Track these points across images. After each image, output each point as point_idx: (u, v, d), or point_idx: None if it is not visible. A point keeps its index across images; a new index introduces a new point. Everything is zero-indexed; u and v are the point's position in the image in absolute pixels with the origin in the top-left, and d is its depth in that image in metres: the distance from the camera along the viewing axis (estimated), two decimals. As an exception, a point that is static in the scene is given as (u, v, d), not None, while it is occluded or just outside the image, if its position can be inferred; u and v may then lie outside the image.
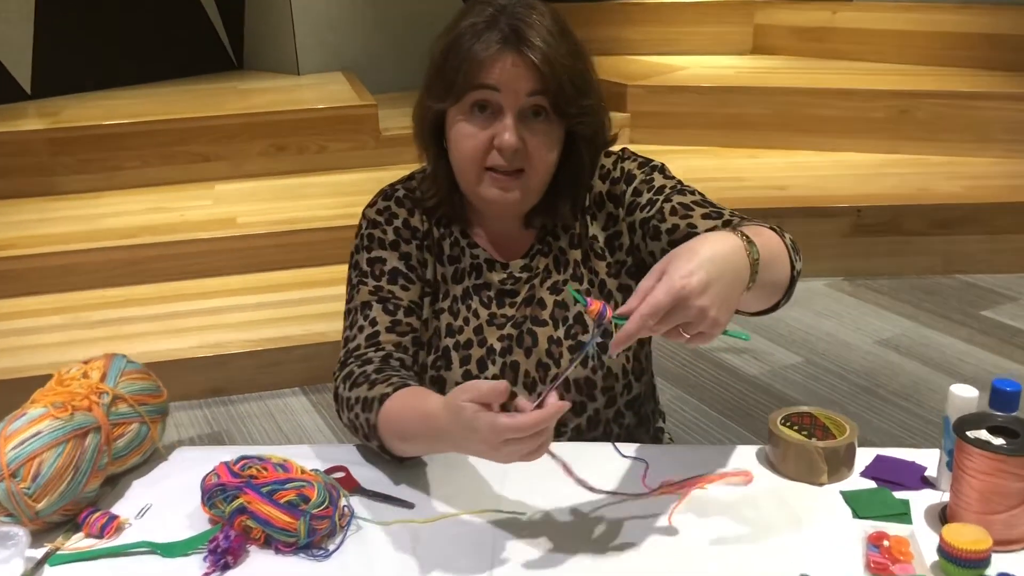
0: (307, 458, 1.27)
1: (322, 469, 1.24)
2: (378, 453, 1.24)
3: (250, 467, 1.13)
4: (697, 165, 4.30)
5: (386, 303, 1.33)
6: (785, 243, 1.18)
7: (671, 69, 5.06)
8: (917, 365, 3.08)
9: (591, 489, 1.16)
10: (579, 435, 1.35)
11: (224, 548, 1.06)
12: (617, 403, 1.35)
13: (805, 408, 1.25)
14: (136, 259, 3.63)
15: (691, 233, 1.26)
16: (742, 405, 2.89)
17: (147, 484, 1.25)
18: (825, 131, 4.40)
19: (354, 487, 1.21)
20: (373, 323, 1.32)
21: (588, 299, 1.00)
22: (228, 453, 1.27)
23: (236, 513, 1.09)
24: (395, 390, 1.19)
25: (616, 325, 0.99)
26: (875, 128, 4.32)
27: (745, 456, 1.26)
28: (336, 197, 4.03)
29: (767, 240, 1.13)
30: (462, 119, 1.24)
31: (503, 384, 1.01)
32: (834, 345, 3.24)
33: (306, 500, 1.08)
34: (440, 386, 1.34)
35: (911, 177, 4.04)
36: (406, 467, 1.25)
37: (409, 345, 1.33)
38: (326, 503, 1.09)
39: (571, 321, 1.33)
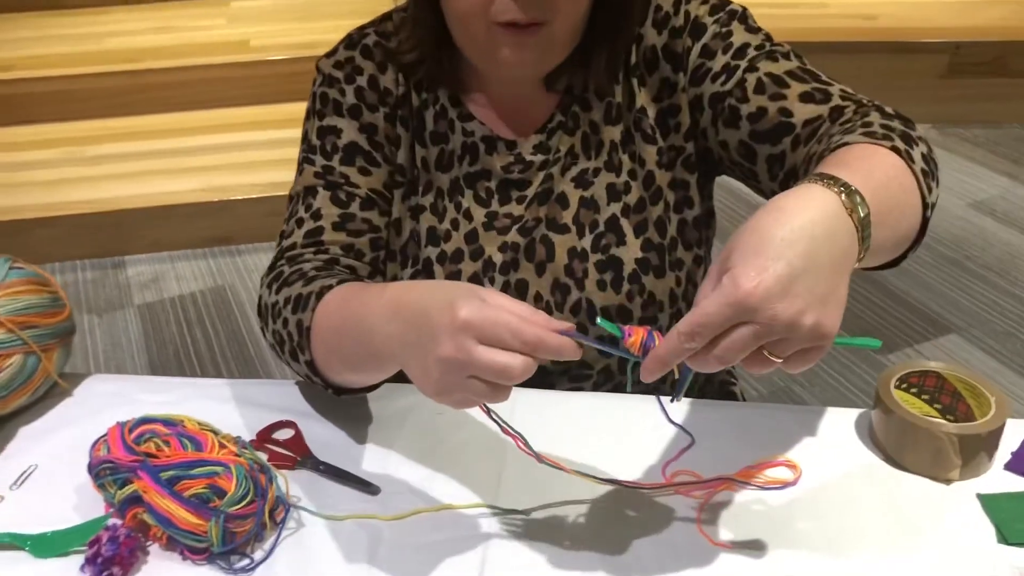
0: (246, 404, 0.96)
1: (263, 425, 0.93)
2: (315, 385, 0.91)
3: (149, 438, 0.81)
4: (772, -13, 3.78)
5: (336, 190, 0.98)
6: (912, 168, 0.76)
7: None
8: (1015, 234, 2.68)
9: (563, 470, 0.80)
10: (608, 380, 1.01)
11: (107, 557, 0.76)
12: (663, 339, 1.00)
13: (932, 365, 0.90)
14: (140, 86, 3.36)
15: (784, 124, 0.87)
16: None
17: (36, 435, 0.94)
18: (924, -52, 3.83)
19: (303, 455, 0.89)
20: (316, 216, 0.97)
21: (625, 328, 0.67)
22: (146, 389, 0.98)
23: (128, 503, 0.79)
24: (340, 283, 0.86)
25: None
26: (983, -55, 3.75)
27: (839, 424, 0.91)
28: (364, 17, 3.53)
29: (882, 173, 0.72)
30: None
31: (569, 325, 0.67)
32: (919, 207, 2.83)
33: (220, 494, 0.77)
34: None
35: (1022, 8, 3.50)
36: (374, 428, 0.93)
37: (366, 250, 0.98)
38: (249, 497, 0.78)
39: (602, 227, 0.97)
